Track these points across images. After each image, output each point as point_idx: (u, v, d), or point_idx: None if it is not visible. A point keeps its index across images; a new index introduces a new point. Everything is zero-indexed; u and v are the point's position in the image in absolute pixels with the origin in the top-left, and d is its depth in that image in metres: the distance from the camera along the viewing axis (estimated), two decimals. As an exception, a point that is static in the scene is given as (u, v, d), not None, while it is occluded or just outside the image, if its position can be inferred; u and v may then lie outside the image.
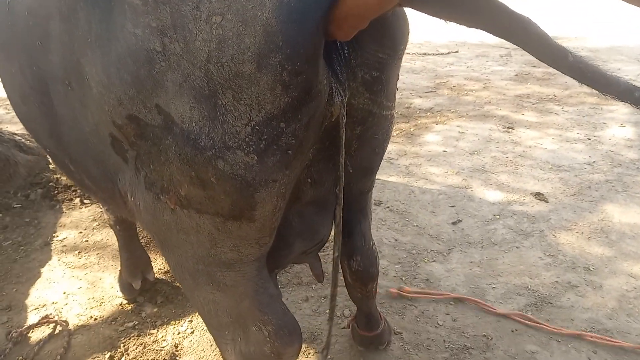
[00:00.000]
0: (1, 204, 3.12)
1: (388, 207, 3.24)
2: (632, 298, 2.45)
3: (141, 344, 2.18)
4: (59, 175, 3.44)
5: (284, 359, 1.38)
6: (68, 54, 1.15)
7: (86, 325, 2.29)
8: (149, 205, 1.22)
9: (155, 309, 2.39)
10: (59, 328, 2.25)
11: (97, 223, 3.04)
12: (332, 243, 1.44)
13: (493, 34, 1.07)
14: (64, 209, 3.17)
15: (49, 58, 1.22)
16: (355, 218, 1.76)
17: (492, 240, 2.92)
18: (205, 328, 2.04)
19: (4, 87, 1.53)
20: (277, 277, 2.61)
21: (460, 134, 4.38)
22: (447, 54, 7.11)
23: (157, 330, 2.26)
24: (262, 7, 0.93)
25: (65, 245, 2.85)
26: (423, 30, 7.48)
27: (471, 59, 6.94)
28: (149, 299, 2.45)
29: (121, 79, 1.04)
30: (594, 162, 3.84)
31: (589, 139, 4.25)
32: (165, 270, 2.64)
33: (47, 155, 2.74)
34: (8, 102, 2.15)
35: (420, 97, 5.42)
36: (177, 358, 2.12)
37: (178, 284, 2.49)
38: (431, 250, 2.83)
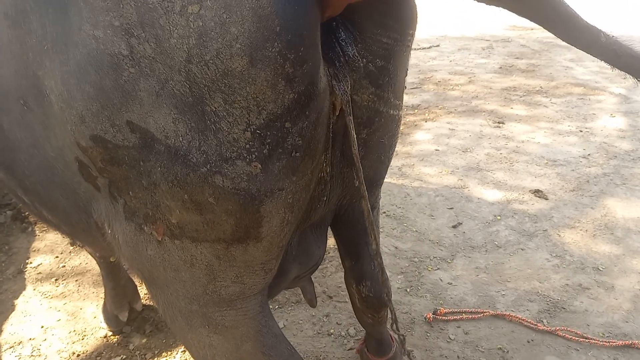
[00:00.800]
0: (-32, 230, 2.88)
1: (384, 212, 3.09)
2: (647, 298, 2.35)
3: (130, 382, 1.99)
4: (30, 195, 3.19)
5: None
6: (21, 66, 0.95)
7: (68, 363, 2.09)
8: (130, 238, 1.04)
9: (144, 340, 2.19)
10: (37, 368, 2.04)
11: (74, 246, 2.82)
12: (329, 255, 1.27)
13: (516, 13, 0.93)
14: (37, 232, 2.94)
15: None
16: (362, 239, 1.57)
17: (496, 243, 2.79)
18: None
19: None
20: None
21: (450, 131, 4.26)
22: (429, 48, 7.00)
23: (148, 364, 2.07)
24: None
25: (40, 273, 2.62)
26: (403, 25, 7.35)
27: (453, 52, 6.84)
28: (137, 329, 2.25)
29: (82, 92, 0.85)
30: (589, 154, 3.76)
31: (581, 131, 4.17)
32: (152, 294, 2.44)
33: None
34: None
35: (406, 93, 5.28)
36: (171, 395, 1.94)
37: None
38: (434, 257, 2.69)
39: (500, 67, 6.01)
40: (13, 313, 2.35)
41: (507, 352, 2.08)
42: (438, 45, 7.18)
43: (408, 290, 2.45)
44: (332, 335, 2.21)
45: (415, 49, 7.20)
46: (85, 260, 2.70)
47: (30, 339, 2.21)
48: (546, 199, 3.20)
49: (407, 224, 2.99)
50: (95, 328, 2.26)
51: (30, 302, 2.42)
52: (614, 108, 4.62)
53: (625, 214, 3.01)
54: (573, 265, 2.59)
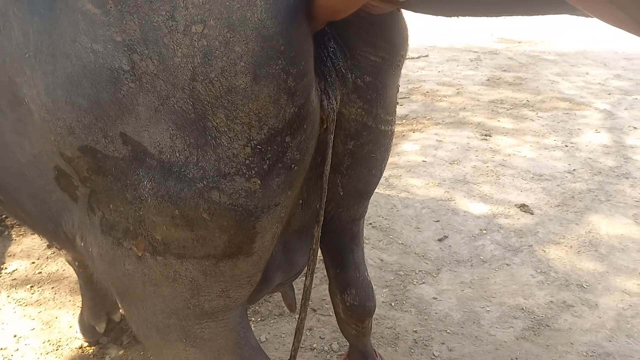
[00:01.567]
0: (-60, 232, 2.79)
1: (370, 223, 3.07)
2: (630, 317, 2.36)
3: (105, 396, 1.92)
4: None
5: None
6: None
7: (41, 375, 2.01)
8: (106, 253, 1.00)
9: (121, 352, 2.13)
10: (8, 380, 1.97)
11: (51, 251, 2.74)
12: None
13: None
14: (14, 236, 2.85)
15: None
16: (347, 247, 1.57)
17: (482, 257, 2.78)
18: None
19: None
20: (257, 307, 2.40)
21: (438, 143, 4.26)
22: (418, 58, 7.03)
23: (124, 378, 2.01)
24: (250, 6, 0.76)
25: (15, 279, 2.54)
26: (392, 34, 7.37)
27: (442, 63, 6.88)
28: (114, 340, 2.19)
29: (73, 104, 0.85)
30: (574, 170, 3.78)
31: (567, 146, 4.20)
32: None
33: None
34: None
35: (394, 103, 5.29)
36: (147, 410, 1.88)
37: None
38: (419, 271, 2.67)
39: (488, 80, 6.05)
40: (-15, 321, 2.27)
41: (491, 370, 2.07)
42: (427, 56, 7.21)
43: (393, 304, 2.42)
44: (315, 350, 2.17)
45: (404, 59, 7.23)
46: (62, 266, 2.62)
47: (1, 348, 2.12)
48: (532, 213, 3.21)
49: (393, 235, 2.96)
50: (71, 338, 2.18)
51: (4, 310, 2.34)
52: (599, 124, 4.67)
53: (610, 230, 3.02)
54: (557, 282, 2.59)
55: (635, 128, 4.56)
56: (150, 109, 0.83)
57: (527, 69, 6.51)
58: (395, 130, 4.52)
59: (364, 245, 2.80)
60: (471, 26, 8.84)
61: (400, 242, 2.91)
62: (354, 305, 1.64)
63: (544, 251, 2.84)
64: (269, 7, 0.76)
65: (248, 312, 2.14)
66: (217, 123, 0.83)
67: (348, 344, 1.91)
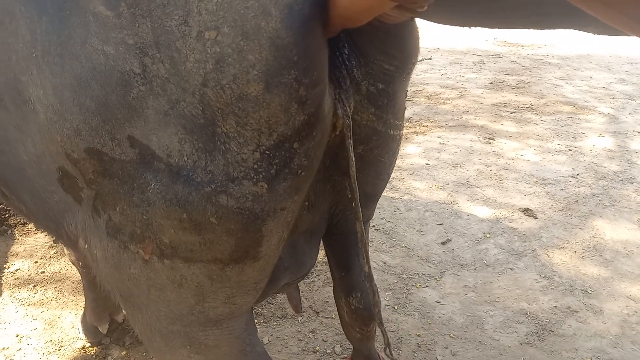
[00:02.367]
0: (-57, 231, 2.78)
1: (374, 226, 3.06)
2: (635, 323, 2.34)
3: (108, 397, 1.91)
4: (11, 196, 3.10)
5: None
6: (1, 66, 0.93)
7: (43, 376, 2.01)
8: (111, 256, 1.00)
9: (124, 352, 2.12)
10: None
11: (54, 251, 2.73)
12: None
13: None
14: (17, 235, 2.85)
15: None
16: (353, 250, 1.56)
17: (485, 261, 2.77)
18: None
19: None
20: (260, 309, 2.39)
21: (441, 145, 4.25)
22: (421, 61, 7.01)
23: (126, 379, 2.00)
24: (265, 16, 0.75)
25: (18, 278, 2.53)
26: (396, 36, 7.37)
27: (445, 66, 6.87)
28: (116, 340, 2.18)
29: (81, 106, 0.85)
30: (578, 174, 3.77)
31: (570, 150, 4.19)
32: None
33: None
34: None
35: (397, 105, 5.28)
36: (149, 412, 1.87)
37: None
38: (422, 274, 2.66)
39: (491, 83, 6.04)
40: (-13, 320, 2.26)
41: (495, 375, 2.05)
42: (430, 58, 7.20)
43: (396, 307, 2.41)
44: (318, 353, 2.16)
45: (407, 61, 7.22)
46: (65, 266, 2.62)
47: (3, 348, 2.12)
48: (535, 217, 3.19)
49: (396, 238, 2.95)
50: (73, 339, 2.18)
51: (6, 309, 2.33)
52: (603, 128, 4.66)
53: (614, 235, 3.01)
54: (562, 287, 2.58)
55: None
56: (160, 113, 0.83)
57: (531, 73, 6.49)
58: (400, 133, 4.43)
59: (368, 248, 2.80)
60: (474, 29, 8.82)
61: (403, 245, 2.90)
62: (359, 308, 1.63)
63: (548, 256, 2.82)
64: (283, 17, 0.75)
65: (251, 314, 2.13)
66: (226, 129, 0.83)
67: (351, 347, 1.90)
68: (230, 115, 0.82)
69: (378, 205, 3.25)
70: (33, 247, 2.77)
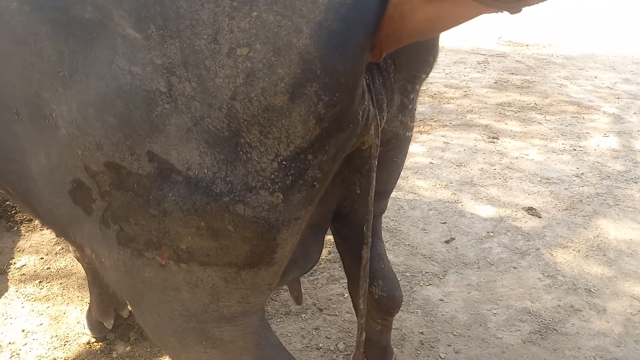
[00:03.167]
0: (-50, 227, 2.81)
1: (377, 224, 3.06)
2: (638, 322, 2.34)
3: (113, 392, 1.93)
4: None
5: None
6: (20, 82, 0.95)
7: (48, 370, 2.02)
8: (123, 263, 1.02)
9: (129, 348, 2.14)
10: (16, 374, 1.98)
11: (60, 247, 2.75)
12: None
13: None
14: (23, 232, 2.87)
15: None
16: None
17: (488, 260, 2.78)
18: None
19: None
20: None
21: (445, 145, 4.26)
22: (425, 60, 7.01)
23: (131, 374, 2.01)
24: (297, 33, 0.78)
25: (24, 274, 2.55)
26: (400, 35, 7.37)
27: (449, 65, 6.87)
28: (121, 336, 2.20)
29: (104, 122, 0.87)
30: (582, 174, 3.77)
31: (575, 150, 4.18)
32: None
33: None
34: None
35: (401, 104, 5.28)
36: (154, 407, 1.88)
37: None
38: (426, 272, 2.66)
39: (495, 82, 6.03)
40: (-7, 315, 2.28)
41: (498, 372, 2.06)
42: (434, 57, 7.19)
43: (399, 305, 2.42)
44: (321, 350, 2.17)
45: (411, 60, 7.22)
46: (71, 262, 2.64)
47: (9, 343, 2.14)
48: (539, 217, 3.19)
49: (400, 237, 2.96)
50: (79, 334, 2.20)
51: (12, 305, 2.35)
52: (607, 127, 4.65)
53: (618, 235, 3.01)
54: (565, 285, 2.58)
55: (644, 133, 4.54)
56: (182, 129, 0.85)
57: (535, 72, 6.48)
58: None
59: (371, 246, 2.80)
60: (478, 28, 8.82)
61: (407, 243, 2.91)
62: (382, 297, 1.64)
63: (552, 255, 2.83)
64: (313, 34, 0.78)
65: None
66: (250, 139, 0.86)
67: (354, 343, 1.90)
68: (255, 125, 0.84)
69: (382, 204, 3.25)
70: (39, 243, 2.79)
